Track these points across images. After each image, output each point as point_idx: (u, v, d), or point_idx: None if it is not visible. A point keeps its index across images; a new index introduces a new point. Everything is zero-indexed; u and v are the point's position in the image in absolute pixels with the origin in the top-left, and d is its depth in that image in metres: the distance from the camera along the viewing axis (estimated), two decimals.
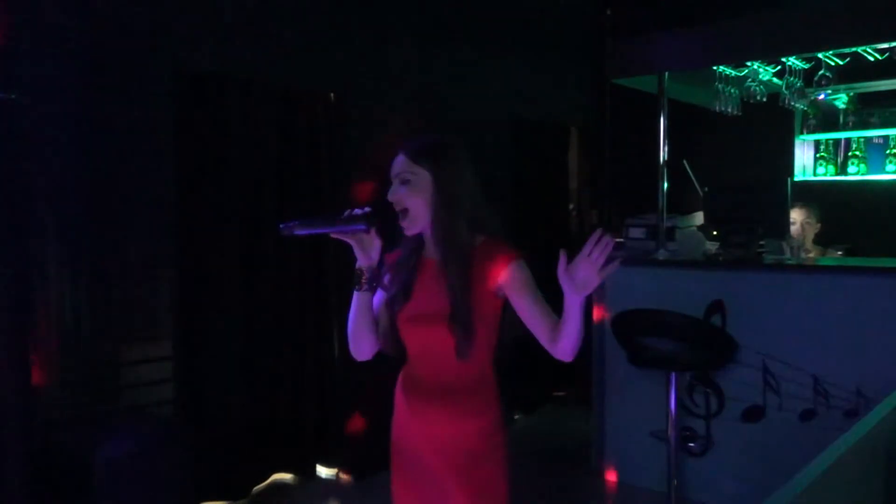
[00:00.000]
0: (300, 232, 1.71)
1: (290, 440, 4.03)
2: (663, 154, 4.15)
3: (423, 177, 1.78)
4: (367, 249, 1.77)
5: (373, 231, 1.76)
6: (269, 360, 3.95)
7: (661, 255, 4.01)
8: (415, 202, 1.77)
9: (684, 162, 4.30)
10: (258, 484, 3.92)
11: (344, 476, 4.19)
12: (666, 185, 4.12)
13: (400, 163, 1.81)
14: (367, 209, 1.76)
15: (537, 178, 5.55)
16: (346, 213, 1.75)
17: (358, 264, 1.79)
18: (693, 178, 4.28)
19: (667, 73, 4.15)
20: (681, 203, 4.27)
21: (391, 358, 1.92)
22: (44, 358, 3.13)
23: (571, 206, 6.11)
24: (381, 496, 3.94)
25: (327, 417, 4.20)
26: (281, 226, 1.69)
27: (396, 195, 1.79)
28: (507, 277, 1.75)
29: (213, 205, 3.70)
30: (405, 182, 1.78)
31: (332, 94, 4.18)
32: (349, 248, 1.79)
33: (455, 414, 1.80)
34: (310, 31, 4.06)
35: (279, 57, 3.91)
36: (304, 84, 4.08)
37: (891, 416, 1.59)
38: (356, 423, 4.22)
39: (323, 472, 4.23)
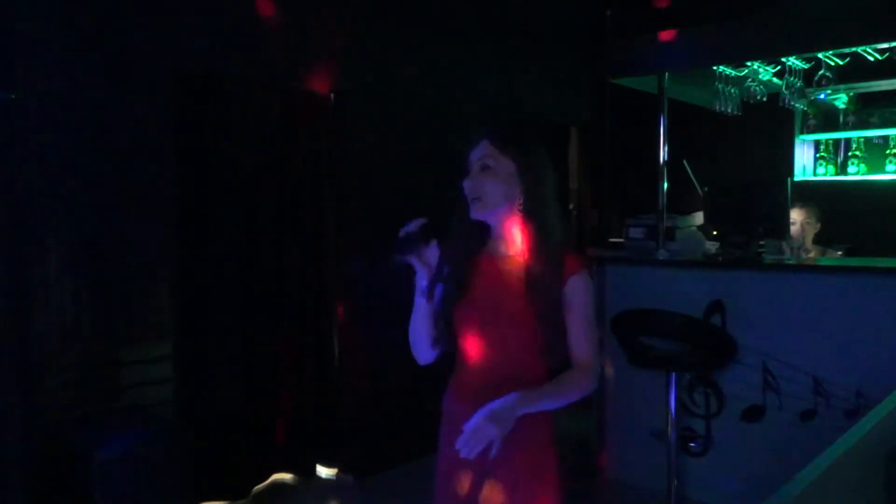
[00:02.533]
0: (401, 261, 1.70)
1: (290, 440, 4.03)
2: (663, 154, 4.15)
3: (506, 166, 1.72)
4: (426, 260, 1.73)
5: (430, 242, 1.72)
6: (269, 359, 3.95)
7: (661, 255, 4.01)
8: (492, 188, 1.70)
9: (684, 162, 4.30)
10: (258, 484, 3.91)
11: (344, 476, 4.19)
12: (666, 185, 4.12)
13: (482, 148, 1.74)
14: (420, 222, 1.72)
15: None
16: (402, 232, 1.70)
17: (418, 277, 1.74)
18: (693, 178, 4.28)
19: (667, 73, 4.15)
20: (681, 203, 4.27)
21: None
22: (44, 358, 3.13)
23: (571, 206, 6.10)
24: (382, 496, 3.96)
25: (327, 417, 4.20)
26: (393, 259, 1.69)
27: (475, 180, 1.72)
28: (569, 285, 1.70)
29: (212, 205, 3.69)
30: (485, 168, 1.72)
31: (332, 94, 4.18)
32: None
33: (511, 440, 1.64)
34: (310, 31, 4.06)
35: (279, 57, 3.91)
36: (304, 84, 4.09)
37: (891, 416, 1.59)
38: (356, 423, 4.22)
39: (323, 472, 4.23)
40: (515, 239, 1.76)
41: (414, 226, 1.71)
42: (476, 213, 1.73)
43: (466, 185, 1.73)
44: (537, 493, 1.76)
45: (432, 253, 1.73)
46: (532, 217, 1.72)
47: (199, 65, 3.61)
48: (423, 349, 1.81)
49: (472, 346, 1.75)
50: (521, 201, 1.72)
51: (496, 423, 1.55)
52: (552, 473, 1.79)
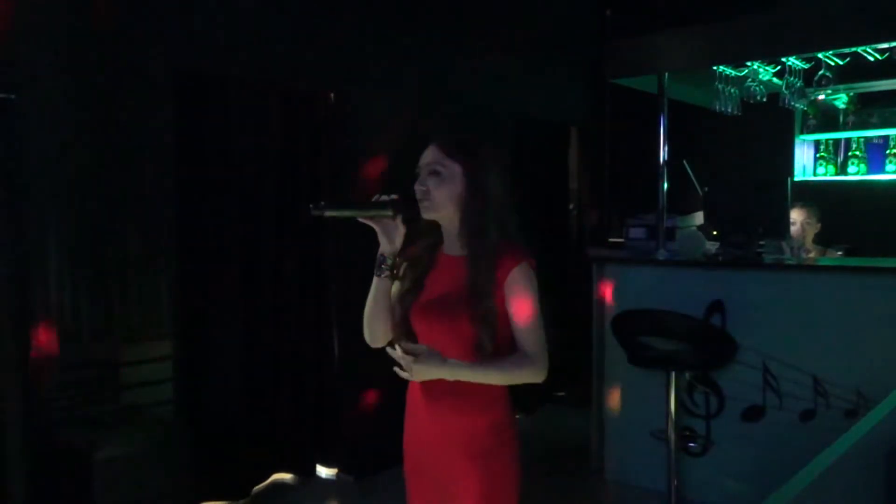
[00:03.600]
0: (329, 213, 1.71)
1: (290, 440, 4.03)
2: (663, 154, 4.15)
3: (454, 170, 1.79)
4: (391, 236, 1.78)
5: (398, 219, 1.77)
6: (269, 360, 3.95)
7: (661, 255, 4.01)
8: (440, 193, 1.78)
9: (684, 162, 4.30)
10: (258, 484, 3.92)
11: (344, 476, 4.19)
12: (666, 185, 4.12)
13: (431, 154, 1.82)
14: (394, 196, 1.77)
15: (537, 178, 5.55)
16: (375, 197, 1.77)
17: (381, 250, 1.80)
18: (693, 178, 4.28)
19: (667, 73, 4.15)
20: (681, 203, 4.27)
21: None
22: (44, 358, 3.13)
23: (571, 206, 6.10)
24: (381, 496, 3.96)
25: (327, 417, 4.20)
26: (311, 206, 1.69)
27: (424, 185, 1.80)
28: (509, 278, 1.76)
29: (212, 205, 3.70)
30: (434, 173, 1.80)
31: (332, 94, 4.18)
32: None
33: (468, 408, 1.81)
34: (310, 31, 4.05)
35: (279, 57, 3.91)
36: (304, 84, 4.08)
37: (891, 416, 1.59)
38: (356, 423, 4.22)
39: (323, 472, 4.23)
40: (463, 239, 1.82)
41: (387, 198, 1.76)
42: (425, 214, 1.80)
43: (417, 186, 1.81)
44: (503, 469, 1.84)
45: (399, 233, 1.78)
46: (471, 217, 1.79)
47: (199, 65, 3.61)
48: (376, 329, 1.86)
49: (424, 342, 1.81)
50: (463, 203, 1.79)
51: (419, 363, 1.67)
52: (513, 447, 1.87)
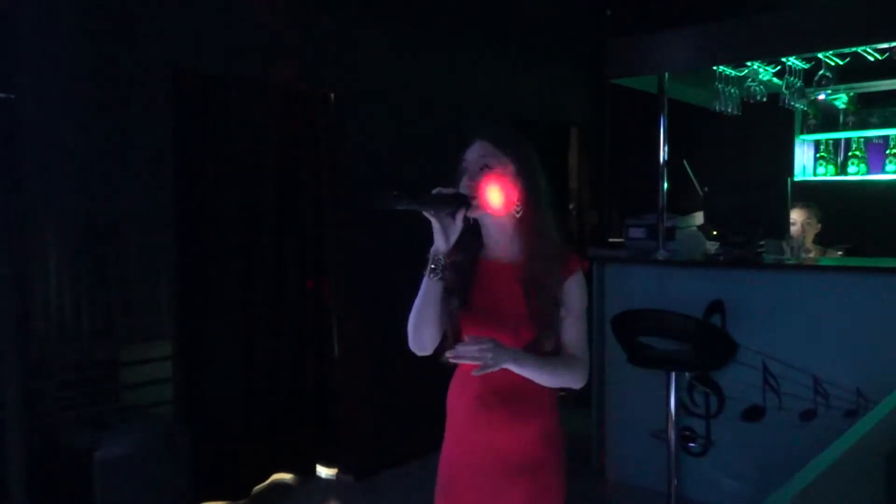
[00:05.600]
0: (401, 206, 1.56)
1: (290, 440, 4.03)
2: (663, 154, 4.14)
3: (507, 166, 1.69)
4: (447, 233, 1.63)
5: (460, 215, 1.63)
6: (269, 360, 3.95)
7: (661, 255, 4.01)
8: (494, 188, 1.66)
9: (684, 162, 4.30)
10: (258, 484, 3.92)
11: (344, 476, 4.19)
12: (666, 185, 4.12)
13: (479, 148, 1.71)
14: (455, 190, 1.66)
15: None
16: (436, 190, 1.62)
17: (434, 248, 1.65)
18: (693, 178, 4.28)
19: (667, 73, 4.15)
20: (681, 203, 4.27)
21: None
22: (44, 358, 3.13)
23: (571, 206, 6.11)
24: (382, 496, 3.95)
25: (327, 417, 4.20)
26: (378, 198, 1.54)
27: (475, 180, 1.67)
28: (569, 281, 1.71)
29: (212, 205, 3.70)
30: (486, 167, 1.68)
31: (332, 94, 4.18)
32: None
33: (520, 418, 1.74)
34: (310, 31, 4.05)
35: (279, 57, 3.91)
36: (304, 84, 4.08)
37: (891, 416, 1.59)
38: (356, 423, 4.22)
39: (323, 472, 4.23)
40: (513, 241, 1.75)
41: (447, 191, 1.64)
42: (475, 213, 1.68)
43: (468, 182, 1.69)
44: (550, 481, 1.78)
45: (455, 230, 1.64)
46: (530, 219, 1.71)
47: (199, 65, 3.61)
48: (425, 336, 1.71)
49: None
50: (520, 203, 1.70)
51: (493, 353, 1.57)
52: (561, 458, 1.81)
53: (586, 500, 4.04)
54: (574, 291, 1.72)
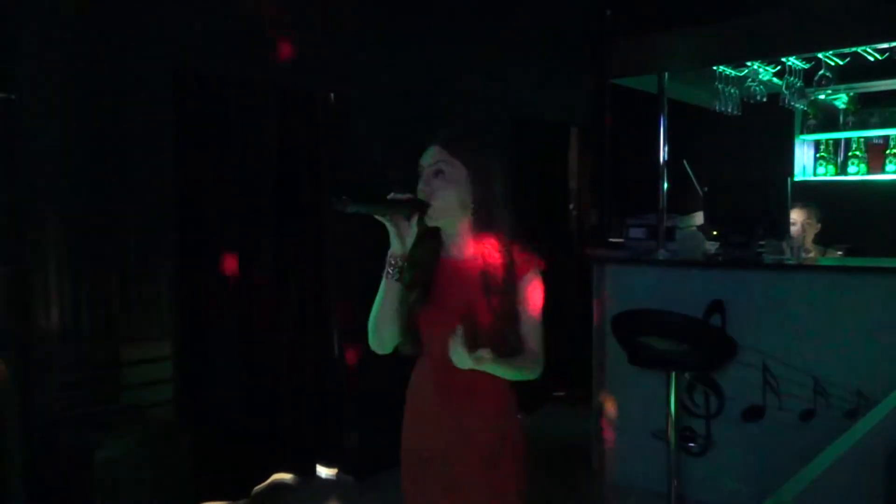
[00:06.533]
0: (352, 209, 1.62)
1: (290, 440, 4.03)
2: (663, 154, 4.15)
3: (459, 170, 1.74)
4: (402, 236, 1.70)
5: (414, 219, 1.70)
6: (269, 360, 3.95)
7: (661, 255, 4.01)
8: (448, 194, 1.72)
9: (684, 162, 4.30)
10: (258, 484, 3.92)
11: (344, 476, 4.19)
12: (666, 185, 4.12)
13: (433, 153, 1.76)
14: (410, 195, 1.71)
15: (537, 178, 5.55)
16: (391, 195, 1.69)
17: (391, 251, 1.72)
18: (693, 178, 4.28)
19: (667, 73, 4.15)
20: (681, 203, 4.26)
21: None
22: (44, 358, 3.13)
23: (571, 206, 6.11)
24: (381, 496, 3.95)
25: (327, 417, 4.20)
26: (334, 200, 1.62)
27: (429, 186, 1.73)
28: (524, 278, 1.76)
29: (212, 205, 3.70)
30: (439, 173, 1.73)
31: (332, 94, 4.18)
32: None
33: (477, 413, 1.79)
34: (310, 31, 4.05)
35: (279, 57, 3.91)
36: (304, 84, 4.08)
37: (891, 416, 1.59)
38: (356, 423, 4.22)
39: (323, 472, 4.23)
40: (469, 242, 1.79)
41: (402, 196, 1.70)
42: (429, 222, 1.74)
43: (422, 188, 1.74)
44: (509, 473, 1.83)
45: (411, 234, 1.71)
46: (485, 221, 1.76)
47: (199, 65, 3.61)
48: (385, 335, 1.79)
49: (435, 348, 1.78)
50: (474, 206, 1.75)
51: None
52: (520, 450, 1.86)
53: (586, 500, 4.04)
54: (529, 289, 1.77)
